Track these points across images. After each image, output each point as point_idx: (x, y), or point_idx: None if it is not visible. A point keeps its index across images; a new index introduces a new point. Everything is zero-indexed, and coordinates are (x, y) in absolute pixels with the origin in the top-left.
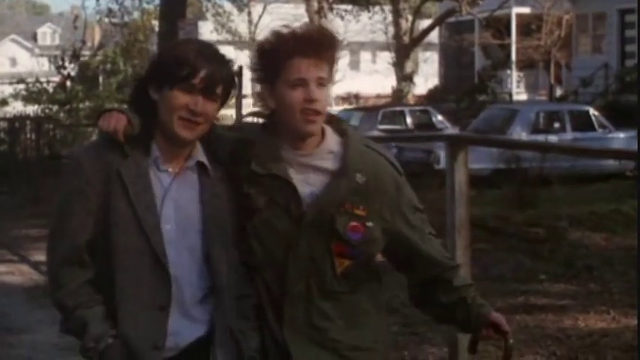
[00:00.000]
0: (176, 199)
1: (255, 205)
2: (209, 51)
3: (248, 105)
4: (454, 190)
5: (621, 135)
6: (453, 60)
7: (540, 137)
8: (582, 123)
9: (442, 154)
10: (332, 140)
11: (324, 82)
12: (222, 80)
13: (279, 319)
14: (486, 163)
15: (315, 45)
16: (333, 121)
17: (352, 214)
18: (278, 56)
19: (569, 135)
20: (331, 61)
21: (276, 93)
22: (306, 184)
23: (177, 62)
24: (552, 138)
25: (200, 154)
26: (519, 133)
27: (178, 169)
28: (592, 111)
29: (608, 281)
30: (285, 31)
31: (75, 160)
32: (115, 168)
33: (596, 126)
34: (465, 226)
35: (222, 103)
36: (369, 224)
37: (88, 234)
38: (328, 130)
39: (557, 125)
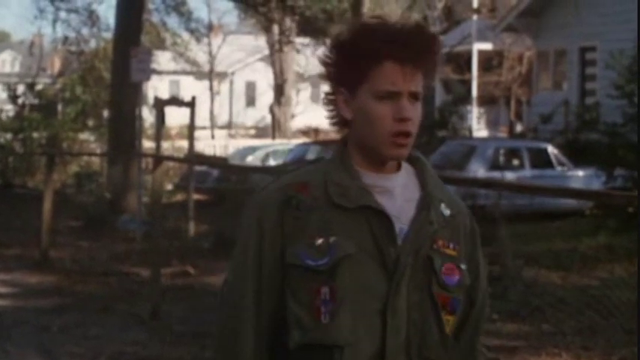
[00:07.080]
0: None
1: (342, 254)
2: None
3: (205, 137)
4: None
5: (580, 173)
6: None
7: (498, 174)
8: (541, 160)
9: None
10: (406, 166)
11: (419, 97)
12: None
13: None
14: None
15: (414, 48)
16: None
17: (444, 254)
18: (364, 57)
19: (527, 172)
20: (429, 71)
21: (357, 102)
22: (395, 218)
23: None
24: (510, 175)
25: None
26: (477, 169)
27: None
28: (550, 148)
29: (562, 321)
30: (375, 23)
31: None
32: None
33: (555, 164)
34: None
35: None
36: (463, 266)
37: None
38: None
39: (515, 162)
